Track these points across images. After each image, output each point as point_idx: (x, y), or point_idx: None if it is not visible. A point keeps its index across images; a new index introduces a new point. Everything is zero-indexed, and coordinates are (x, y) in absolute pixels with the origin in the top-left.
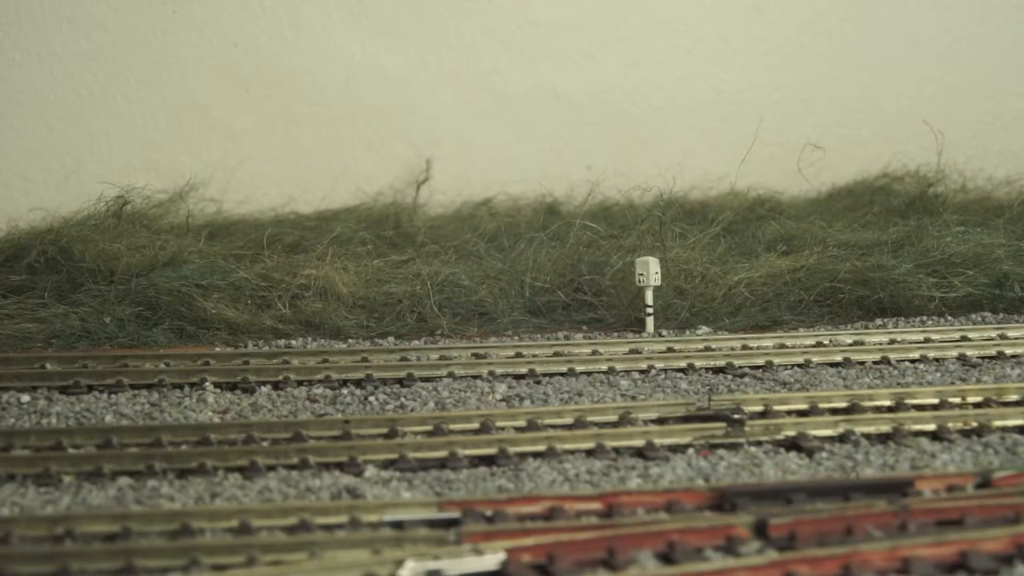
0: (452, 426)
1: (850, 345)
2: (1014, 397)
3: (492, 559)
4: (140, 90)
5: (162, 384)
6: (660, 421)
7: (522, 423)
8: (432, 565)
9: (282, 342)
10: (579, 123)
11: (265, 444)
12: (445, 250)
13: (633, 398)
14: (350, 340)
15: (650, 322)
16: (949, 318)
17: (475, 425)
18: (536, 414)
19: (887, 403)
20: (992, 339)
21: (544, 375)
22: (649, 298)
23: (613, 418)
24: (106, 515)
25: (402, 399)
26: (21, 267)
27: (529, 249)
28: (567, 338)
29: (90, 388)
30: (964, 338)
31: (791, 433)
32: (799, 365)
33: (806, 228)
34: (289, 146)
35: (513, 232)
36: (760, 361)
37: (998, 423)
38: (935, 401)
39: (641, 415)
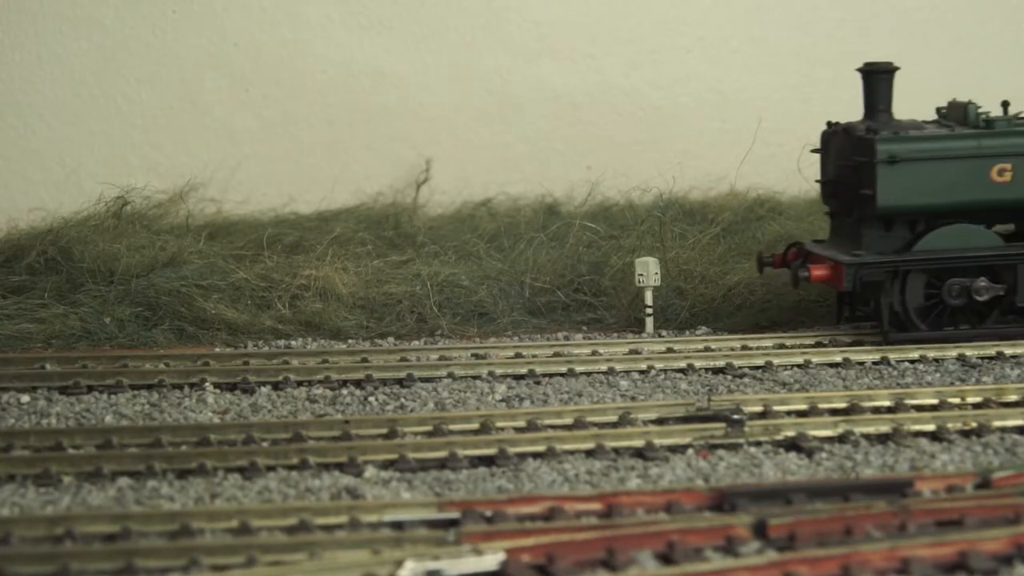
0: (452, 426)
1: (849, 345)
2: (1014, 397)
3: (492, 559)
4: (140, 90)
5: (162, 384)
6: (660, 421)
7: (522, 423)
8: (432, 565)
9: (282, 342)
10: (579, 123)
11: (265, 444)
12: (445, 250)
13: (633, 398)
14: (350, 340)
15: (650, 322)
16: None
17: (475, 425)
18: (536, 414)
19: (887, 403)
20: (992, 339)
21: (544, 375)
22: (649, 298)
23: (613, 418)
24: (106, 515)
25: (402, 399)
26: (21, 267)
27: (529, 249)
28: (567, 338)
29: (90, 388)
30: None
31: (791, 433)
32: (799, 365)
33: (806, 228)
34: (289, 146)
35: (513, 232)
36: (760, 361)
37: (998, 423)
38: (935, 401)
39: (641, 415)
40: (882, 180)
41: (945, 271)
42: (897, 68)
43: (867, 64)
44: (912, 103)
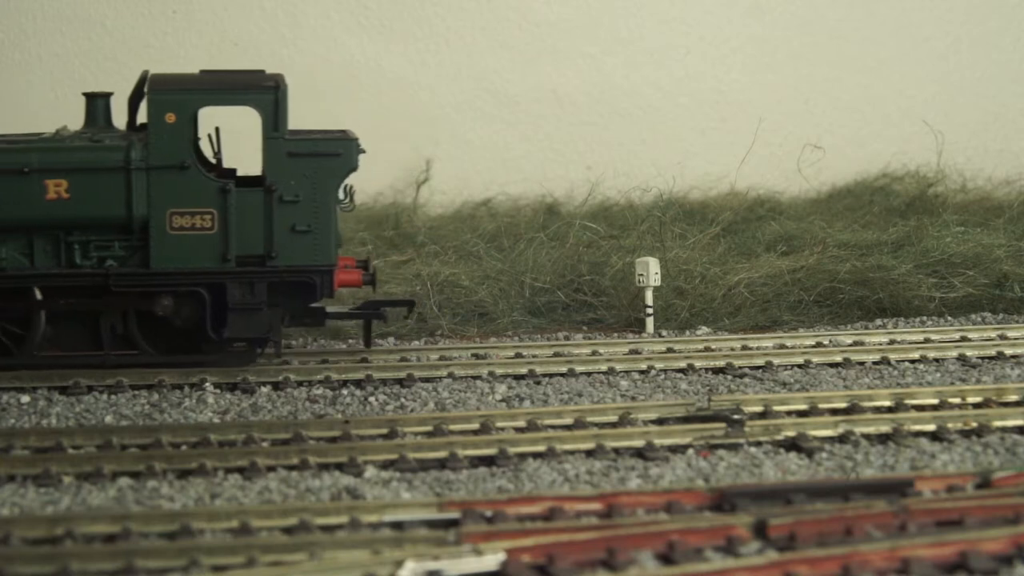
0: (452, 426)
1: (850, 345)
2: (1014, 397)
3: (492, 559)
4: None
5: (162, 384)
6: (660, 422)
7: (522, 423)
8: (432, 565)
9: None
10: (579, 123)
11: (265, 444)
12: (445, 250)
13: (633, 398)
14: (350, 340)
15: (650, 322)
16: (949, 318)
17: (475, 425)
18: (536, 415)
19: (887, 403)
20: (992, 339)
21: (544, 375)
22: (649, 298)
23: (613, 419)
24: (106, 515)
25: (402, 399)
26: None
27: (529, 249)
28: (567, 338)
29: (90, 389)
30: (964, 338)
31: (791, 433)
32: (799, 365)
33: (806, 228)
34: None
35: (513, 232)
36: (760, 361)
37: (998, 423)
38: (935, 401)
39: (641, 415)
40: None
41: None
42: None
43: None
44: (912, 102)
